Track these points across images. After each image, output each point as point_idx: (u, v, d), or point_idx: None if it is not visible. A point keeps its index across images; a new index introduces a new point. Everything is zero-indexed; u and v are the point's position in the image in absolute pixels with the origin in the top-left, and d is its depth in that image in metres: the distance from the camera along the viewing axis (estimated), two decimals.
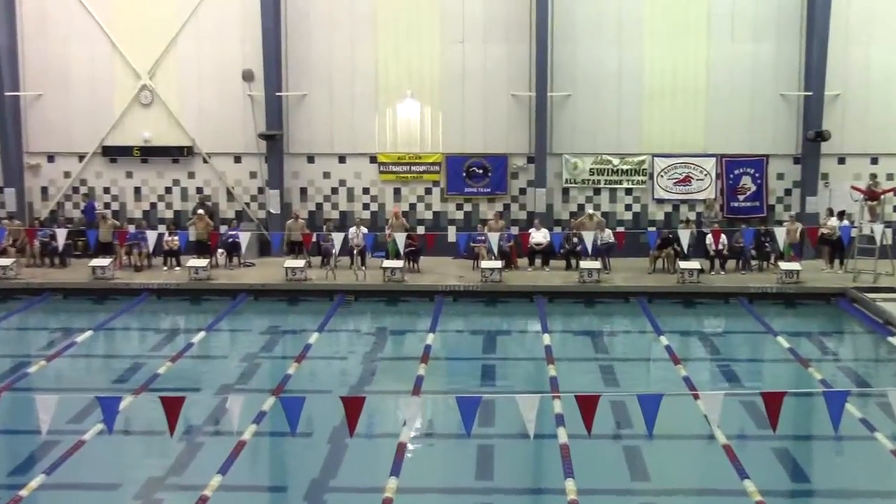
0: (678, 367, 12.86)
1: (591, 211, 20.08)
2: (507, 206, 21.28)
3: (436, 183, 21.24)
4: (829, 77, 19.83)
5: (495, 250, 18.42)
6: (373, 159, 21.26)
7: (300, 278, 18.10)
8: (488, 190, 21.16)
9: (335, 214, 21.47)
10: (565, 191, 21.14)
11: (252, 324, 16.60)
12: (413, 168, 21.19)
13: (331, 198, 21.48)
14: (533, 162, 20.86)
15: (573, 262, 19.38)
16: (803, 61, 20.15)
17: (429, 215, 21.38)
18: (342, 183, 21.44)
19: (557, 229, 20.51)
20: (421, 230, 20.79)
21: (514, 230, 20.58)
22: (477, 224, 20.60)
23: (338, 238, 18.29)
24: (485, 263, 18.43)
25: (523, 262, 19.76)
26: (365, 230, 19.69)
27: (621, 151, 20.83)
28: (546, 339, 14.45)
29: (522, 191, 21.22)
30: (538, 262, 19.59)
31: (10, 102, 20.66)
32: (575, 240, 19.39)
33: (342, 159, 21.32)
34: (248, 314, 17.19)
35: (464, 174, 21.10)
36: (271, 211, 21.16)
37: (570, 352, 14.81)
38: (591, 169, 20.85)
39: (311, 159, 21.38)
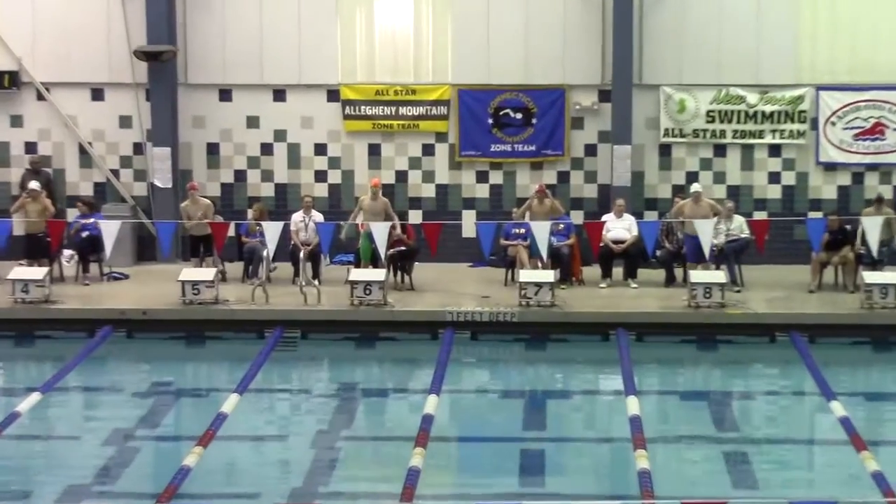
0: (863, 455, 12.59)
1: (697, 187, 19.31)
2: (563, 177, 20.97)
3: (442, 136, 21.18)
4: None
5: (544, 252, 18.17)
6: (333, 95, 21.15)
7: (207, 300, 17.97)
8: (532, 148, 20.98)
9: (268, 192, 21.34)
10: (665, 150, 21.05)
11: (123, 379, 16.56)
12: (402, 111, 21.04)
13: (259, 161, 21.34)
14: (609, 100, 20.71)
15: (678, 272, 19.19)
16: None
17: (429, 191, 21.30)
18: (279, 136, 21.33)
19: (651, 216, 20.37)
20: (415, 218, 20.59)
21: (578, 217, 20.31)
22: (513, 208, 20.23)
23: (272, 232, 18.12)
24: (525, 275, 18.16)
25: (592, 272, 19.56)
26: (319, 218, 19.47)
27: (762, 81, 20.81)
28: (632, 404, 14.13)
29: (591, 150, 21.12)
30: (618, 271, 19.36)
31: None
32: (680, 235, 19.16)
33: (279, 95, 21.24)
34: (116, 362, 17.14)
35: (490, 122, 20.99)
36: (157, 184, 21.06)
37: (675, 427, 14.67)
38: (709, 112, 20.87)
39: (225, 94, 21.31)
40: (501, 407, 15.60)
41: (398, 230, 19.12)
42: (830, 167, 20.97)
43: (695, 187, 19.39)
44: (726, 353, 17.55)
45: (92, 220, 19.86)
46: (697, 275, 18.13)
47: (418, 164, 21.33)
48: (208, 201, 19.99)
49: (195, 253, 19.71)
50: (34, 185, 19.60)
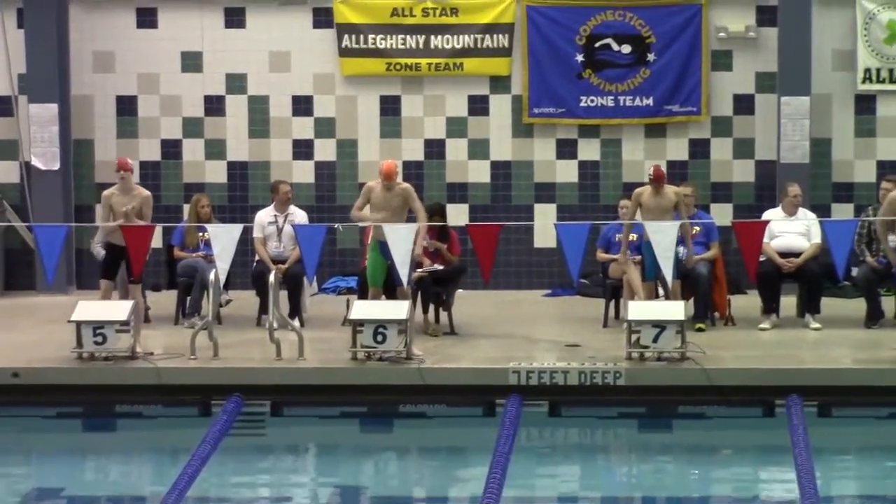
0: None
1: None
2: (699, 149, 20.76)
3: (501, 83, 20.92)
4: None
5: (668, 273, 17.07)
6: (322, 17, 20.94)
7: (119, 352, 16.51)
8: (648, 102, 20.63)
9: (217, 176, 21.17)
10: (865, 103, 20.55)
11: None
12: (436, 42, 20.87)
13: (203, 126, 21.00)
14: (774, 23, 20.29)
15: (887, 303, 18.54)
16: None
17: (481, 174, 21.05)
18: (235, 84, 21.04)
19: (843, 211, 20.23)
20: (458, 217, 20.13)
21: (723, 215, 20.00)
22: (620, 200, 19.43)
23: (224, 241, 17.14)
24: (638, 309, 16.92)
25: (747, 304, 18.90)
26: (302, 217, 18.90)
27: None
28: None
29: (744, 104, 20.72)
30: (790, 302, 18.65)
31: None
32: (893, 241, 17.47)
33: (235, 16, 20.98)
34: None
35: (579, 59, 20.59)
36: (36, 164, 20.94)
37: None
38: None
39: (146, 17, 21.01)
40: None
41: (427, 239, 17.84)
42: None
43: None
44: None
45: None
46: None
47: (462, 129, 20.69)
48: (147, 193, 18.07)
49: (110, 272, 17.59)
50: None
